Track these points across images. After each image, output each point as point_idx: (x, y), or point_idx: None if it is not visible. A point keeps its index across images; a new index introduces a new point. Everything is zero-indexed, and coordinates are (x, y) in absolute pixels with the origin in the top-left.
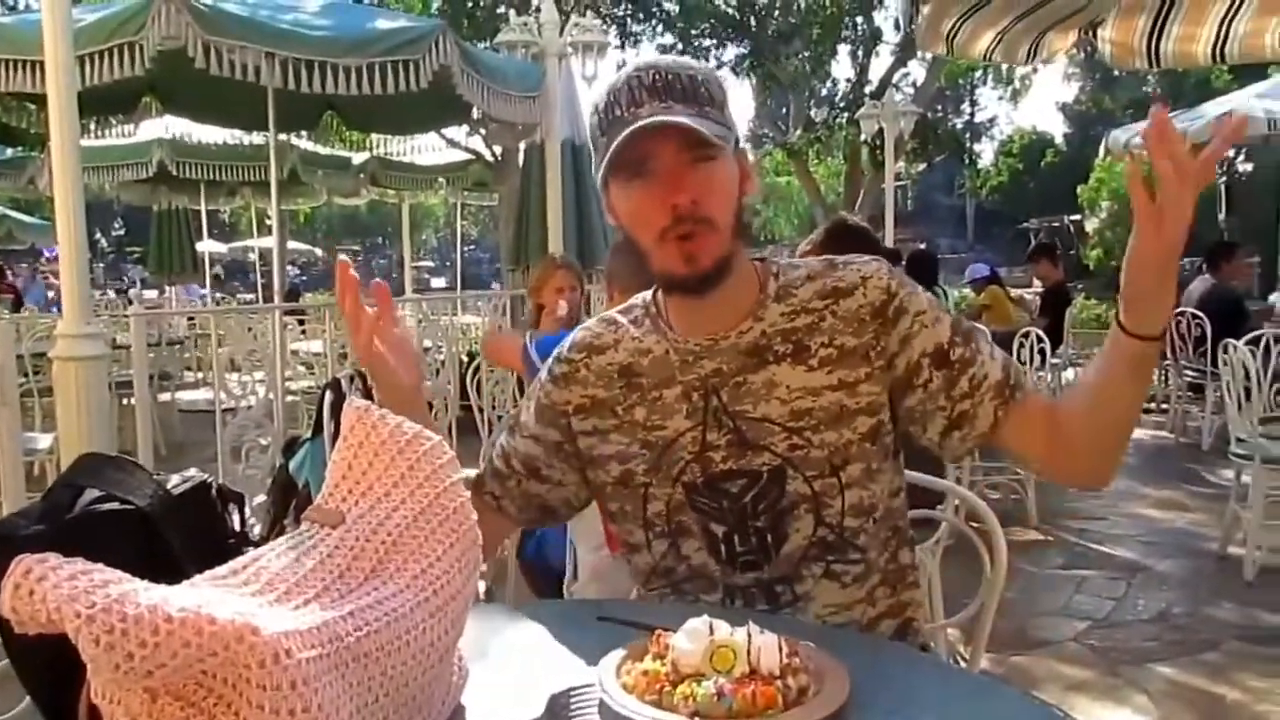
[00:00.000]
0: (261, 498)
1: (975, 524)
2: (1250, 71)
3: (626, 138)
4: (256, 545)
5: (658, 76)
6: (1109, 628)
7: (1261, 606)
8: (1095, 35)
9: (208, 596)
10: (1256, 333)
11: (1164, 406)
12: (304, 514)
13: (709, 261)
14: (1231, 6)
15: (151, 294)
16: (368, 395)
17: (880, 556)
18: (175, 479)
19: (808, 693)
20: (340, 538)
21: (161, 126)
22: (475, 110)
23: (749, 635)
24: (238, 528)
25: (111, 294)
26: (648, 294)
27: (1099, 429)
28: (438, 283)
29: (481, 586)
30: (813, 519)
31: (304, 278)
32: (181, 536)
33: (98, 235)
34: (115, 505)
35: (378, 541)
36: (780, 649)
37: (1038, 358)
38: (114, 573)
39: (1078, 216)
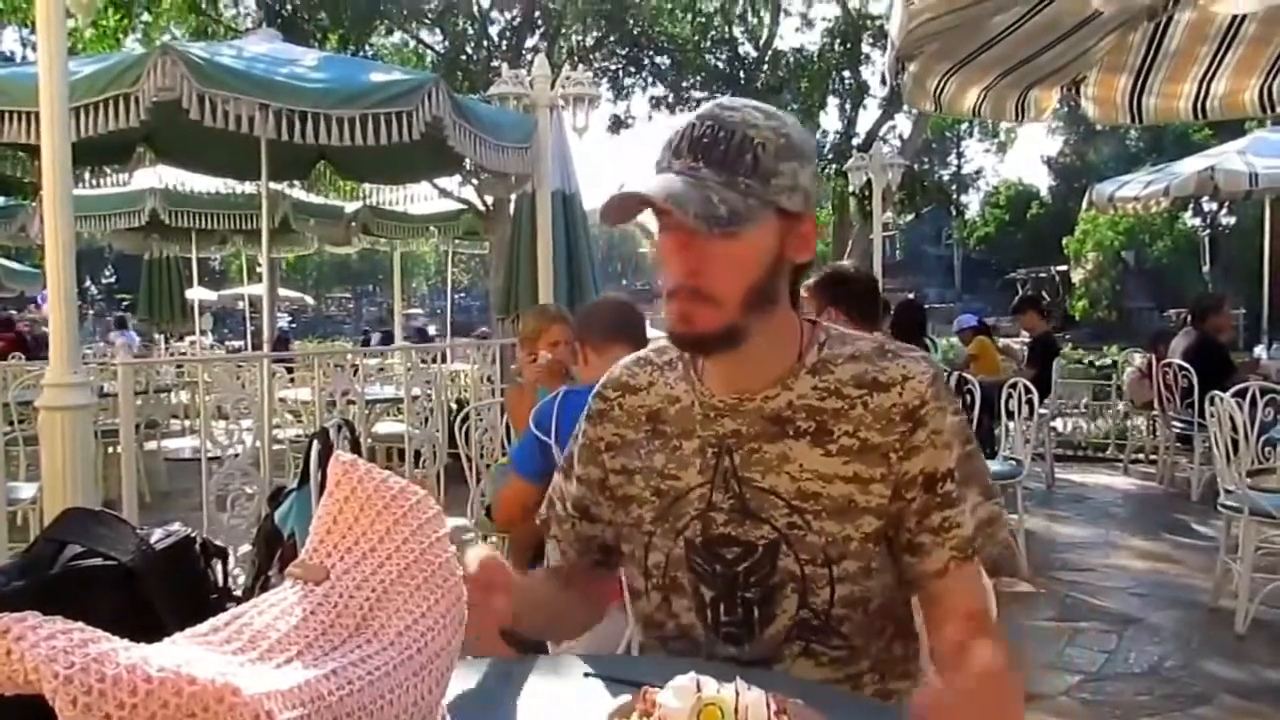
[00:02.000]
0: (247, 548)
1: None
2: (1229, 126)
3: (619, 195)
4: (239, 600)
5: (708, 133)
6: (1101, 681)
7: (1253, 660)
8: (1079, 92)
9: (188, 655)
10: (1243, 385)
11: (1153, 458)
12: (288, 569)
13: (700, 330)
14: (1211, 65)
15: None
16: (355, 445)
17: (871, 645)
18: (159, 534)
19: None
20: (324, 594)
21: (154, 176)
22: (467, 161)
23: (736, 692)
24: (221, 582)
25: (102, 343)
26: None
27: None
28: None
29: None
30: (798, 600)
31: (294, 325)
32: (164, 592)
33: (88, 283)
34: (98, 561)
35: (361, 598)
36: (768, 706)
37: (1025, 408)
38: (93, 632)
39: (1064, 267)
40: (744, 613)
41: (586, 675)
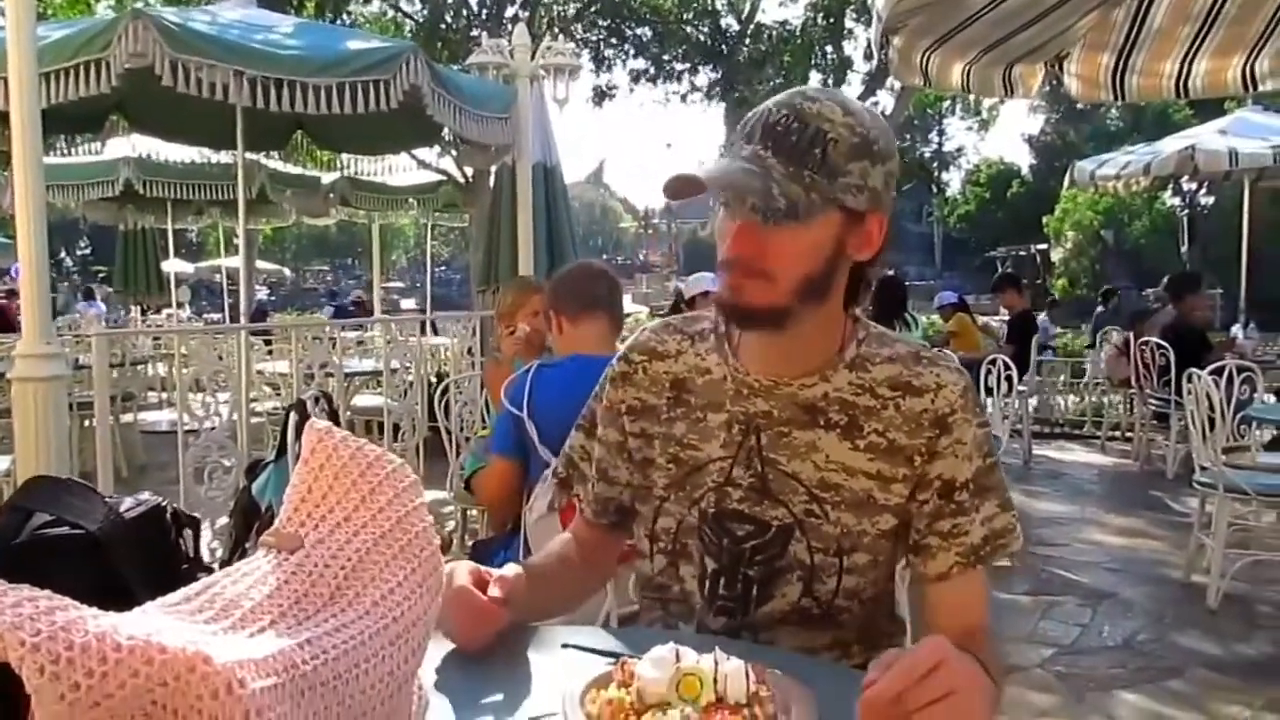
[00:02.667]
0: (224, 520)
1: None
2: (1209, 106)
3: (682, 176)
4: (211, 570)
5: (782, 121)
6: (1075, 654)
7: (1225, 634)
8: (1062, 69)
9: (159, 624)
10: (1219, 363)
11: (1129, 435)
12: (262, 538)
13: (748, 303)
14: (1194, 44)
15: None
16: (333, 417)
17: (860, 625)
18: (128, 502)
19: None
20: (298, 563)
21: (128, 145)
22: (446, 131)
23: (715, 663)
24: (193, 553)
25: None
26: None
27: None
28: (407, 303)
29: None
30: (801, 588)
31: (273, 298)
32: (134, 561)
33: (63, 254)
34: (65, 530)
35: (336, 567)
36: (748, 676)
37: (1004, 384)
38: (61, 599)
39: (1044, 246)
40: (743, 589)
41: (565, 646)
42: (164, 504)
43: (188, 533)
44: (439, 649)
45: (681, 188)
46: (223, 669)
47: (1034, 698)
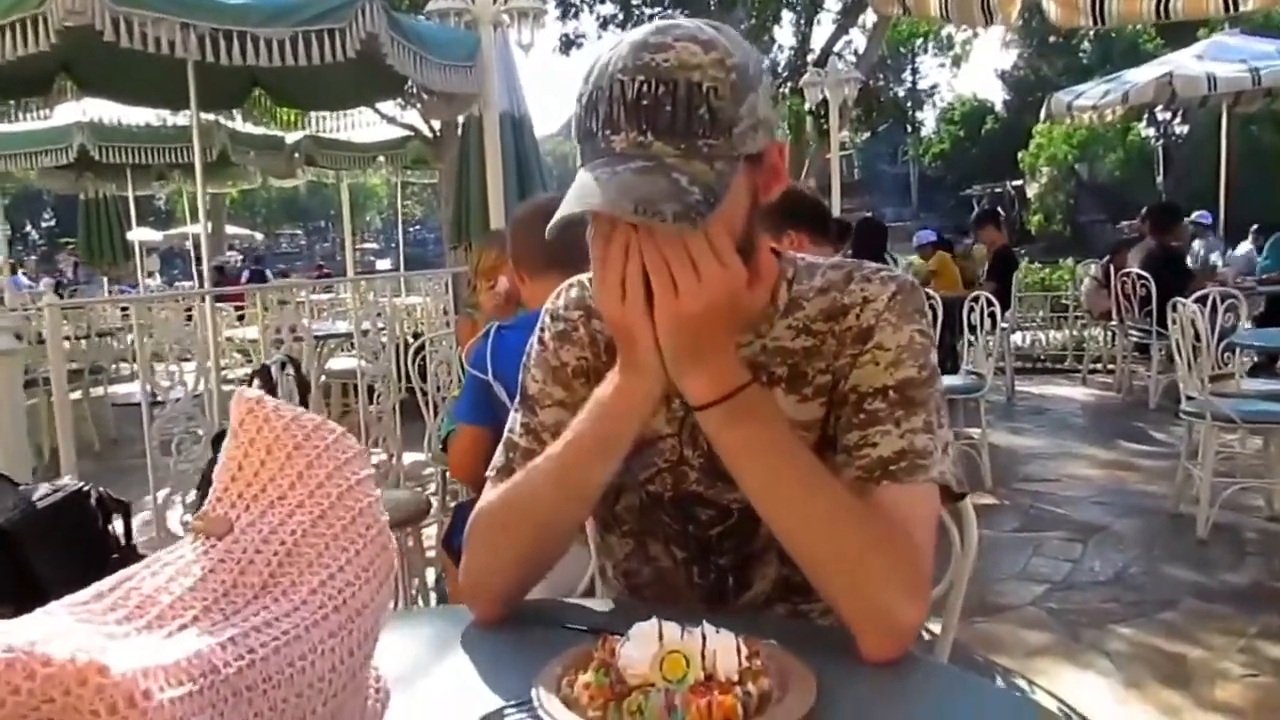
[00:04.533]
0: (195, 493)
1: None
2: (1181, 35)
3: (571, 215)
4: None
5: (644, 91)
6: (1067, 590)
7: (1215, 564)
8: None
9: (53, 629)
10: (1203, 291)
11: (1110, 368)
12: (190, 523)
13: None
14: None
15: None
16: (301, 382)
17: None
18: (43, 489)
19: (770, 699)
20: (226, 549)
21: (79, 110)
22: (409, 83)
23: (703, 637)
24: (124, 540)
25: (41, 286)
26: None
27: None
28: (383, 264)
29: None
30: (778, 562)
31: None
32: (51, 555)
33: (27, 227)
34: None
35: (269, 552)
36: (739, 651)
37: (988, 321)
38: None
39: (1019, 182)
40: (717, 579)
41: (540, 623)
42: (86, 488)
43: (117, 519)
44: (397, 636)
45: (570, 223)
46: (122, 680)
47: (1028, 636)
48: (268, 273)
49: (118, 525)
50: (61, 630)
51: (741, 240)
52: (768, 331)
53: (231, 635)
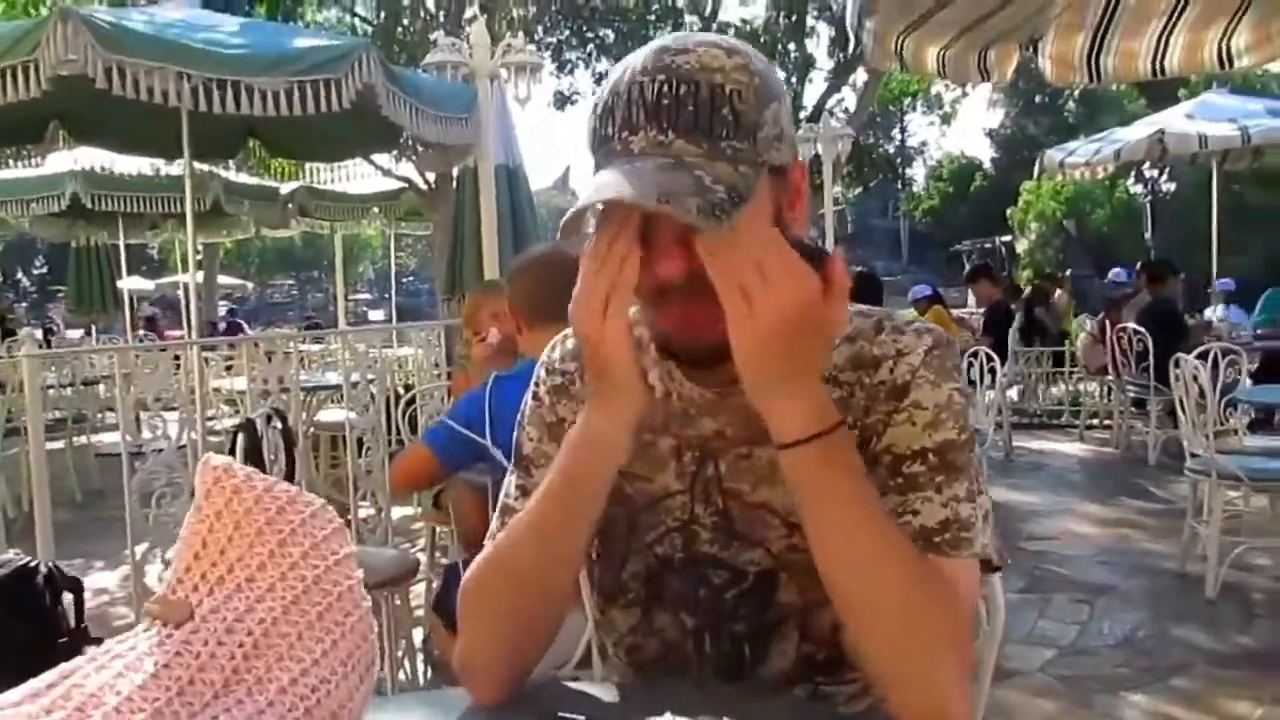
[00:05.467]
0: (176, 548)
1: None
2: (1163, 95)
3: (586, 206)
4: (99, 642)
5: (665, 91)
6: (1076, 654)
7: (1226, 625)
8: (1036, 51)
9: None
10: (1205, 346)
11: (1107, 423)
12: (144, 607)
13: (715, 336)
14: (1168, 22)
15: (75, 333)
16: (286, 436)
17: None
18: None
19: None
20: (184, 639)
21: (72, 159)
22: (405, 135)
23: None
24: (74, 621)
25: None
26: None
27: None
28: (375, 315)
29: None
30: (798, 635)
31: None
32: None
33: (19, 274)
34: None
35: (233, 643)
36: None
37: (988, 376)
38: None
39: (1008, 238)
40: (733, 648)
41: (537, 709)
42: (33, 564)
43: (67, 597)
44: None
45: (579, 219)
46: None
47: (1041, 704)
48: (244, 325)
49: (67, 604)
50: None
51: None
52: None
53: None
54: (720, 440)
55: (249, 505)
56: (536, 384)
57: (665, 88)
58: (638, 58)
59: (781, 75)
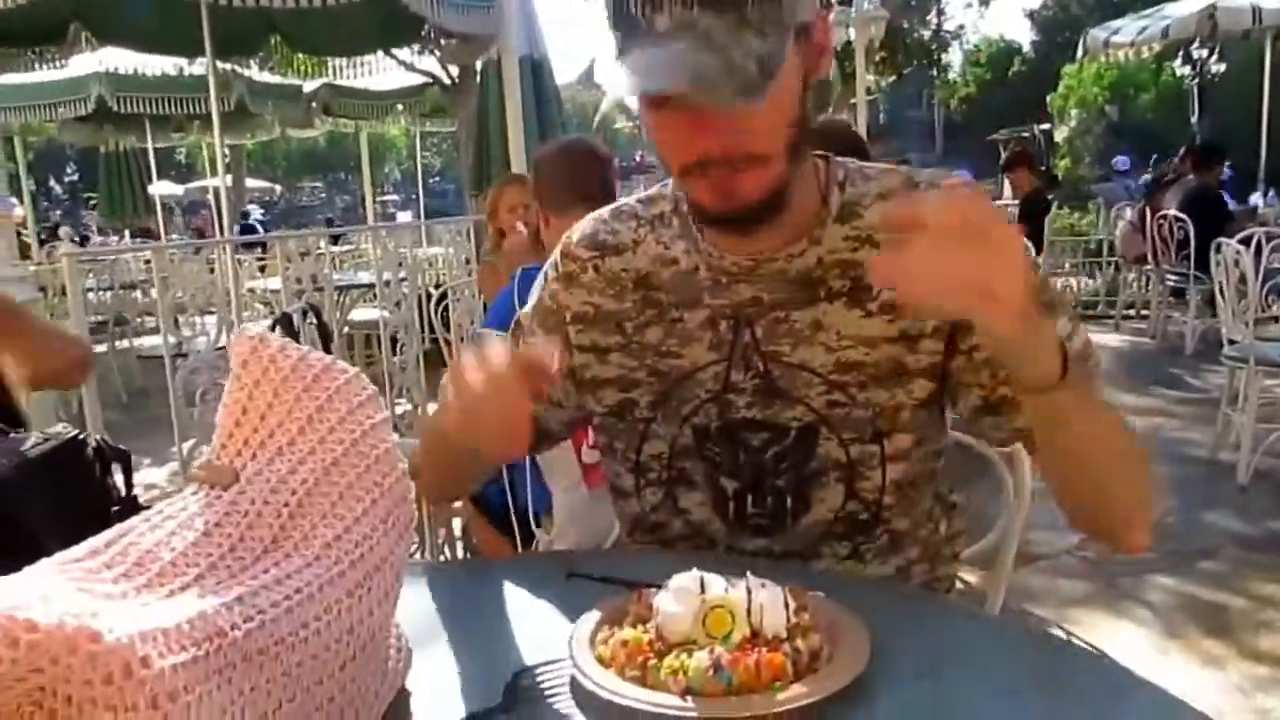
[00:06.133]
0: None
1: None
2: None
3: (621, 95)
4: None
5: None
6: None
7: (1256, 512)
8: None
9: (40, 591)
10: (1247, 232)
11: (1144, 312)
12: (189, 472)
13: (754, 197)
14: None
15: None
16: (322, 330)
17: (919, 529)
18: (34, 438)
19: (820, 657)
20: (232, 501)
21: (96, 60)
22: (425, 26)
23: (748, 591)
24: (125, 491)
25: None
26: (673, 186)
27: (1076, 496)
28: (404, 216)
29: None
30: (843, 490)
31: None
32: (40, 507)
33: (51, 182)
34: None
35: (278, 503)
36: (786, 606)
37: None
38: None
39: (1046, 126)
40: (775, 503)
41: (571, 576)
42: (83, 436)
43: (116, 468)
44: (418, 592)
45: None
46: (118, 646)
47: (1065, 585)
48: (258, 226)
49: (118, 475)
50: (49, 591)
51: (801, 129)
52: (824, 239)
53: (239, 594)
54: (756, 306)
55: (285, 373)
56: (550, 264)
57: None
58: None
59: None
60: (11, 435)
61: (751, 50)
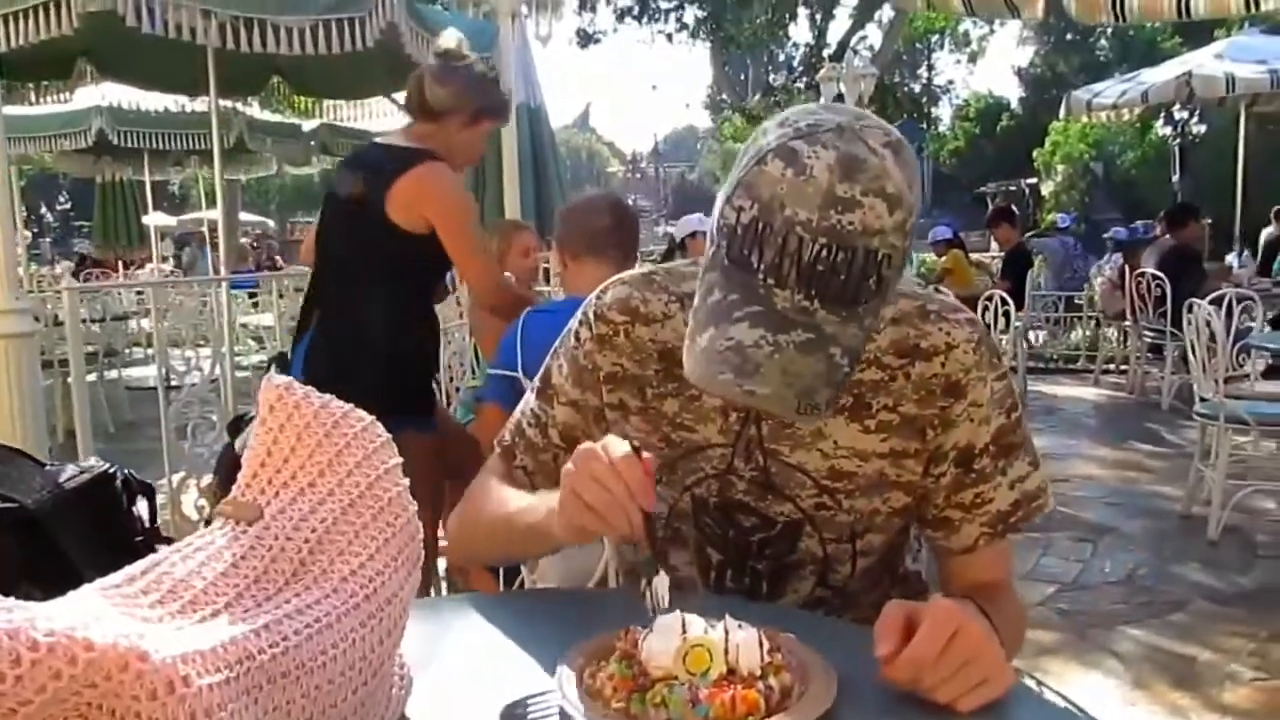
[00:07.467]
0: (209, 478)
1: None
2: (1198, 34)
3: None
4: (169, 541)
5: (824, 254)
6: (1077, 590)
7: (1226, 567)
8: None
9: (90, 613)
10: (1219, 292)
11: (1123, 368)
12: (217, 508)
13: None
14: None
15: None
16: None
17: (871, 593)
18: (70, 470)
19: (791, 694)
20: (257, 535)
21: (99, 94)
22: None
23: (726, 632)
24: (148, 523)
25: (60, 268)
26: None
27: None
28: None
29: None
30: (815, 580)
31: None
32: (79, 537)
33: (43, 210)
34: None
35: (300, 539)
36: (761, 645)
37: (1001, 320)
38: None
39: (1034, 180)
40: (752, 582)
41: (562, 613)
42: (112, 470)
43: (141, 501)
44: (419, 625)
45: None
46: (163, 665)
47: (1037, 635)
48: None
49: (141, 507)
50: (100, 615)
51: None
52: None
53: (265, 622)
54: None
55: (308, 419)
56: (582, 323)
57: (824, 253)
58: (806, 190)
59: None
60: (48, 467)
61: (848, 346)
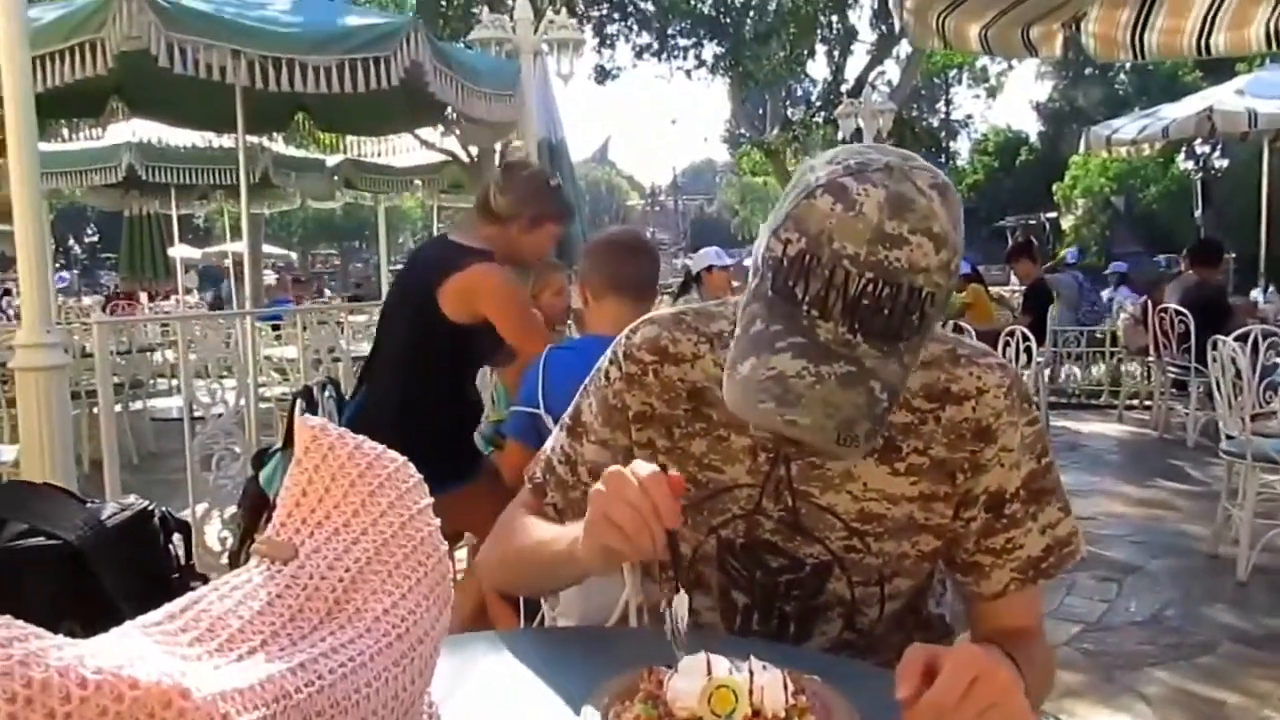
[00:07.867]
0: (233, 509)
1: None
2: (1219, 68)
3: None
4: (205, 578)
5: (870, 289)
6: (1102, 631)
7: (1255, 608)
8: (1079, 29)
9: (133, 652)
10: (1245, 329)
11: (1147, 404)
12: (253, 547)
13: None
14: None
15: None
16: (341, 405)
17: (894, 637)
18: (111, 508)
19: None
20: (292, 575)
21: (129, 130)
22: (449, 109)
23: (751, 673)
24: (184, 559)
25: (87, 300)
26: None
27: None
28: None
29: None
30: (842, 623)
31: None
32: (118, 572)
33: (70, 242)
34: (41, 540)
35: (334, 579)
36: (785, 688)
37: (1023, 356)
38: (21, 628)
39: (1054, 214)
40: (779, 626)
41: (584, 652)
42: (151, 508)
43: (177, 538)
44: (447, 664)
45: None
46: (203, 704)
47: (1062, 676)
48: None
49: (177, 544)
50: (143, 653)
51: None
52: None
53: (300, 660)
54: (796, 447)
55: (343, 460)
56: (611, 361)
57: (870, 287)
58: (855, 226)
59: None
60: (89, 504)
61: (888, 382)
